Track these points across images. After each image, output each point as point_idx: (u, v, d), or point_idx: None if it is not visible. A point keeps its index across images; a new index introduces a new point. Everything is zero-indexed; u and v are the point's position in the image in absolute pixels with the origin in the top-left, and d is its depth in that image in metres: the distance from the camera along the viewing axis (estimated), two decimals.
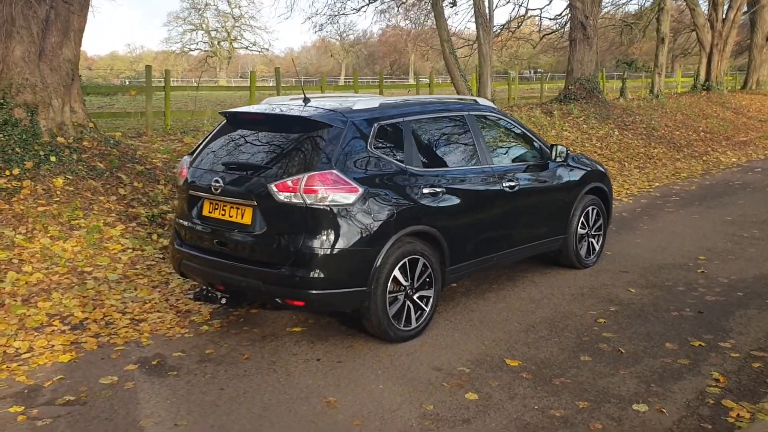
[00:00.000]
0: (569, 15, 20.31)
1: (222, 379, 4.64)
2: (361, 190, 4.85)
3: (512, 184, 6.13)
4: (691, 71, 38.17)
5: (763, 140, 19.75)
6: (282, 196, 4.76)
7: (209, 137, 5.61)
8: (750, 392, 4.46)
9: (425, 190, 5.30)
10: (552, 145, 6.73)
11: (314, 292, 4.75)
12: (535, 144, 6.77)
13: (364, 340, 5.28)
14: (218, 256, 5.12)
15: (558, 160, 6.71)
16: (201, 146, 5.59)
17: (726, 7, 26.07)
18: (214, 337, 5.38)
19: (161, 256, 7.21)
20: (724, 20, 25.81)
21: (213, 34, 74.02)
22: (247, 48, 76.78)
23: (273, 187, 4.79)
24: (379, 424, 4.05)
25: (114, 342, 5.26)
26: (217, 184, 5.06)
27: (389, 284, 5.04)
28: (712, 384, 4.56)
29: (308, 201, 4.71)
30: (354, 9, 24.85)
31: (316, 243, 4.72)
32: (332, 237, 4.73)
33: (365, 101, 5.42)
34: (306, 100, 5.49)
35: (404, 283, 5.17)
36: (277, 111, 5.32)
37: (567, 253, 7.05)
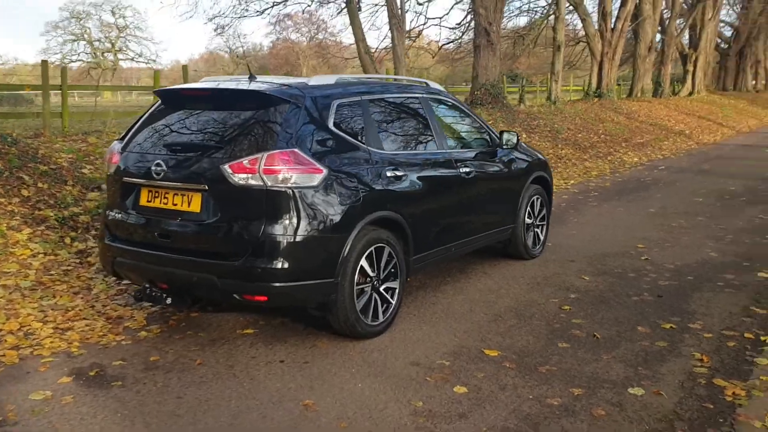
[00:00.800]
0: (473, 22, 20.52)
1: (176, 387, 4.06)
2: (324, 171, 4.41)
3: (468, 170, 5.87)
4: (579, 80, 39.78)
5: (657, 142, 20.66)
6: (238, 178, 4.25)
7: (142, 120, 5.00)
8: (736, 370, 4.34)
9: (388, 173, 4.93)
10: (501, 132, 6.52)
11: (278, 285, 4.26)
12: (484, 130, 6.54)
13: (327, 339, 4.83)
14: (160, 250, 4.53)
15: (506, 147, 6.50)
16: (133, 129, 4.97)
17: (614, 18, 27.25)
18: (156, 344, 4.76)
19: (78, 260, 6.45)
20: (612, 30, 26.95)
21: (96, 44, 70.55)
22: (133, 59, 73.68)
23: (227, 169, 4.27)
24: (369, 425, 3.62)
25: (39, 353, 4.55)
26: (159, 168, 4.47)
27: (356, 275, 4.62)
28: (698, 364, 4.42)
29: (268, 183, 4.22)
30: (257, 11, 24.10)
31: (278, 230, 4.24)
32: (296, 223, 4.26)
33: (320, 78, 5.00)
34: (252, 78, 4.99)
35: (371, 273, 4.77)
36: (226, 86, 4.79)
37: (515, 243, 6.85)
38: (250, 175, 4.23)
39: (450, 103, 6.28)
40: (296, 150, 4.32)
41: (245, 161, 4.25)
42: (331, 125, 4.66)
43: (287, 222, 4.24)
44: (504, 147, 6.47)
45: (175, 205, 4.50)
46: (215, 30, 39.17)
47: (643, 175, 14.46)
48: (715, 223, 9.08)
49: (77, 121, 13.53)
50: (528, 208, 6.90)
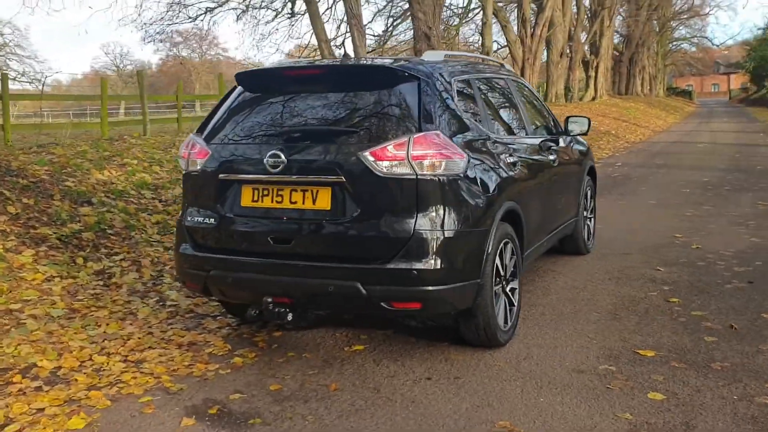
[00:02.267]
0: (413, 26, 20.21)
1: (333, 419, 3.36)
2: (465, 156, 3.83)
3: (553, 157, 5.41)
4: None
5: (594, 141, 21.04)
6: (382, 167, 3.60)
7: (224, 108, 4.23)
8: None
9: (508, 160, 4.40)
10: (567, 117, 6.09)
11: (433, 288, 3.63)
12: (549, 114, 6.11)
13: (454, 350, 4.22)
14: (279, 257, 3.79)
15: (572, 134, 6.08)
16: (215, 119, 4.20)
17: (533, 24, 27.77)
18: (263, 370, 4.00)
19: (101, 282, 5.52)
20: (532, 36, 27.45)
21: None
22: (15, 79, 69.01)
23: (368, 156, 3.61)
24: None
25: (129, 393, 3.70)
26: (276, 160, 3.73)
27: (493, 276, 4.05)
28: None
29: (419, 171, 3.59)
30: (190, 18, 22.84)
31: (430, 225, 3.62)
32: (447, 216, 3.66)
33: (431, 54, 4.41)
34: (346, 57, 4.32)
35: (502, 273, 4.21)
36: (345, 63, 4.11)
37: (576, 238, 6.44)
38: (396, 163, 3.59)
39: (525, 85, 5.81)
40: (440, 132, 3.71)
41: (390, 146, 3.60)
42: (456, 105, 4.08)
43: (440, 216, 3.63)
44: (570, 134, 6.05)
45: (294, 203, 3.77)
46: (144, 39, 36.68)
47: (607, 172, 14.52)
48: (725, 211, 9.05)
49: (20, 134, 12.08)
50: (584, 199, 6.53)
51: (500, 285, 4.19)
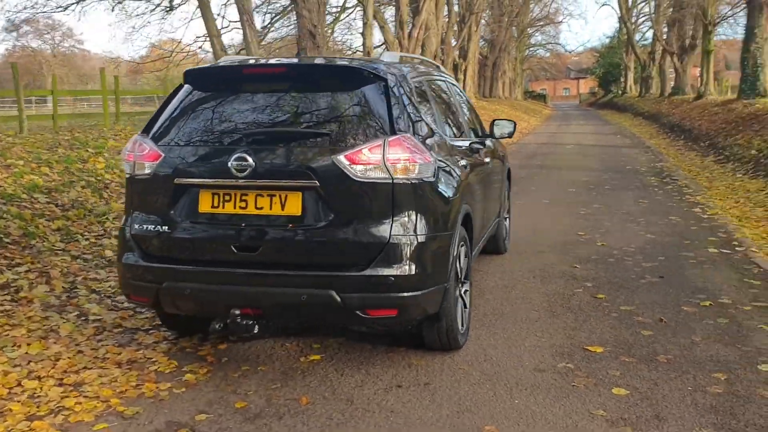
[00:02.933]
0: (297, 24, 19.96)
1: None
2: (432, 160, 3.80)
3: (487, 159, 5.50)
4: None
5: None
6: (357, 171, 3.49)
7: (175, 107, 3.94)
8: None
9: (461, 163, 4.41)
10: (494, 120, 6.20)
11: (409, 294, 3.57)
12: (477, 117, 6.20)
13: (415, 355, 4.19)
14: (244, 266, 3.58)
15: (498, 136, 6.19)
16: (165, 119, 3.90)
17: (410, 26, 28.23)
18: (220, 386, 3.78)
19: (8, 296, 5.00)
20: (409, 37, 27.91)
21: None
22: None
23: (343, 160, 3.49)
24: None
25: (78, 420, 3.39)
26: (243, 164, 3.52)
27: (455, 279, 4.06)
28: None
29: (394, 175, 3.52)
30: (60, 6, 21.17)
31: (405, 230, 3.56)
32: (420, 221, 3.61)
33: (388, 55, 4.34)
34: (300, 56, 4.15)
35: (459, 275, 4.22)
36: (308, 62, 3.94)
37: (497, 237, 6.59)
38: (371, 167, 3.50)
39: (460, 89, 5.86)
40: (411, 136, 3.66)
41: (365, 150, 3.50)
42: (418, 108, 4.04)
43: (413, 220, 3.58)
44: (495, 137, 6.16)
45: (260, 209, 3.58)
46: (6, 30, 33.77)
47: None
48: (614, 209, 9.59)
49: None
50: (506, 200, 6.70)
51: (458, 288, 4.20)
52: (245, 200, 3.59)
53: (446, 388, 3.72)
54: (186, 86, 3.99)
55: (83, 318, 4.80)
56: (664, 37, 44.64)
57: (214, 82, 4.00)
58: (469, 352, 4.24)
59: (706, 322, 4.76)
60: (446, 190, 3.90)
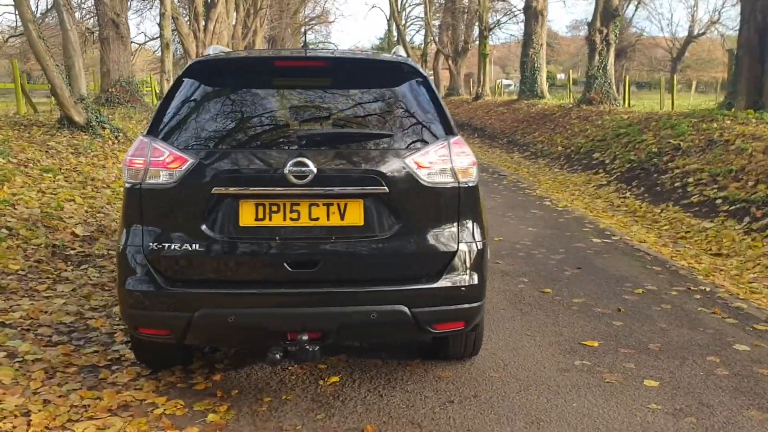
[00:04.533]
0: (96, 11, 18.21)
1: None
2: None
3: None
4: None
5: None
6: (425, 175, 3.23)
7: (187, 105, 3.33)
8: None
9: None
10: None
11: (476, 305, 3.37)
12: None
13: (440, 367, 4.00)
14: (303, 286, 3.15)
15: None
16: (178, 119, 3.29)
17: (206, 18, 27.03)
18: (260, 424, 3.30)
19: None
20: (205, 30, 26.74)
21: None
22: None
23: (411, 163, 3.20)
24: None
25: None
26: (303, 169, 3.09)
27: None
28: (727, 317, 4.98)
29: (460, 179, 3.31)
30: None
31: (469, 237, 3.36)
32: (476, 228, 3.42)
33: (401, 49, 4.05)
34: (306, 48, 3.74)
35: None
36: (351, 56, 3.54)
37: None
38: (437, 170, 3.25)
39: None
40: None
41: (432, 152, 3.24)
42: None
43: (473, 227, 3.39)
44: None
45: (316, 219, 3.16)
46: None
47: None
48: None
49: None
50: None
51: None
52: (297, 210, 3.16)
53: (498, 398, 3.60)
54: (191, 80, 3.41)
55: (17, 359, 3.93)
56: (436, 39, 47.46)
57: (234, 75, 3.46)
58: (481, 358, 4.14)
59: (656, 309, 5.11)
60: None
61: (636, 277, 5.99)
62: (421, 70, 3.54)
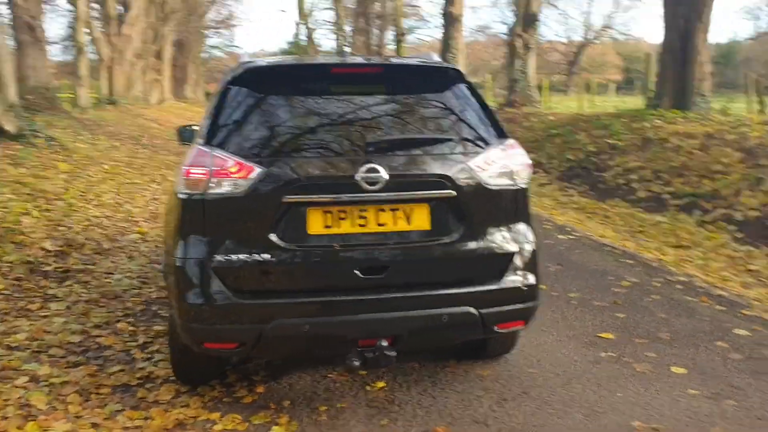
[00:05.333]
0: (12, 14, 17.21)
1: None
2: None
3: None
4: None
5: None
6: (487, 177, 3.29)
7: (237, 111, 3.26)
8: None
9: None
10: None
11: (534, 304, 3.47)
12: None
13: (471, 366, 4.06)
14: (373, 292, 3.14)
15: None
16: (230, 126, 3.21)
17: (119, 24, 26.10)
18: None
19: None
20: (120, 35, 25.79)
21: None
22: None
23: (475, 167, 3.26)
24: (721, 427, 3.40)
25: None
26: (374, 176, 3.09)
27: None
28: (705, 302, 5.29)
29: (516, 180, 3.40)
30: None
31: (525, 237, 3.45)
32: (529, 228, 3.50)
33: (432, 54, 4.08)
34: (343, 53, 3.72)
35: None
36: (397, 61, 3.54)
37: None
38: (498, 172, 3.33)
39: None
40: None
41: (492, 155, 3.31)
42: None
43: (526, 227, 3.48)
44: None
45: (383, 225, 3.16)
46: None
47: None
48: None
49: None
50: None
51: None
52: (364, 217, 3.15)
53: (547, 394, 3.69)
54: (241, 88, 3.32)
55: (43, 383, 3.72)
56: (348, 43, 47.60)
57: (289, 82, 3.40)
58: (510, 355, 4.22)
59: (648, 300, 5.36)
60: None
61: (615, 271, 6.25)
62: (465, 75, 3.59)
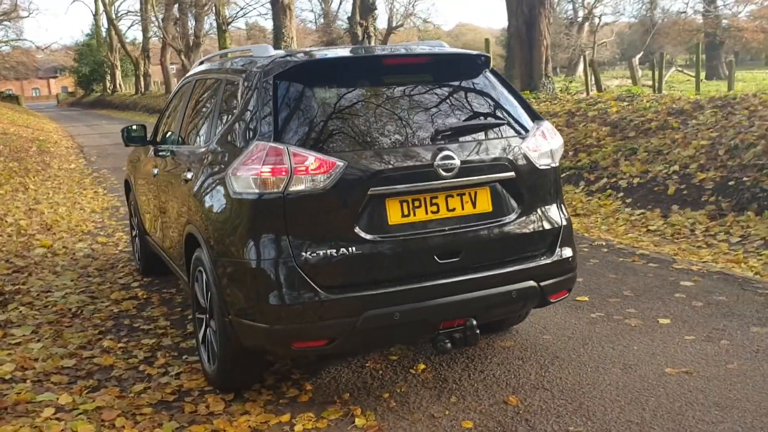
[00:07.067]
0: None
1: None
2: None
3: None
4: None
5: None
6: (537, 158, 3.53)
7: (295, 106, 3.18)
8: None
9: None
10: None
11: (575, 273, 3.75)
12: None
13: (491, 339, 4.26)
14: (451, 275, 3.24)
15: None
16: (291, 121, 3.13)
17: None
18: (415, 420, 3.32)
19: None
20: None
21: None
22: None
23: (527, 148, 3.46)
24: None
25: None
26: (450, 163, 3.18)
27: None
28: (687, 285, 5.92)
29: (555, 159, 3.67)
30: None
31: (563, 212, 3.74)
32: (563, 203, 3.79)
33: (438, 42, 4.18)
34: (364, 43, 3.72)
35: None
36: (439, 51, 3.59)
37: None
38: (543, 153, 3.56)
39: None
40: None
41: (538, 137, 3.53)
42: None
43: (562, 203, 3.77)
44: None
45: (452, 210, 3.26)
46: None
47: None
48: None
49: None
50: None
51: None
52: (436, 204, 3.23)
53: (576, 355, 3.98)
54: (290, 83, 3.23)
55: (76, 412, 3.40)
56: (160, 33, 45.60)
57: (341, 76, 3.35)
58: (519, 327, 4.47)
59: (591, 264, 5.86)
60: None
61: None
62: (490, 61, 3.77)
